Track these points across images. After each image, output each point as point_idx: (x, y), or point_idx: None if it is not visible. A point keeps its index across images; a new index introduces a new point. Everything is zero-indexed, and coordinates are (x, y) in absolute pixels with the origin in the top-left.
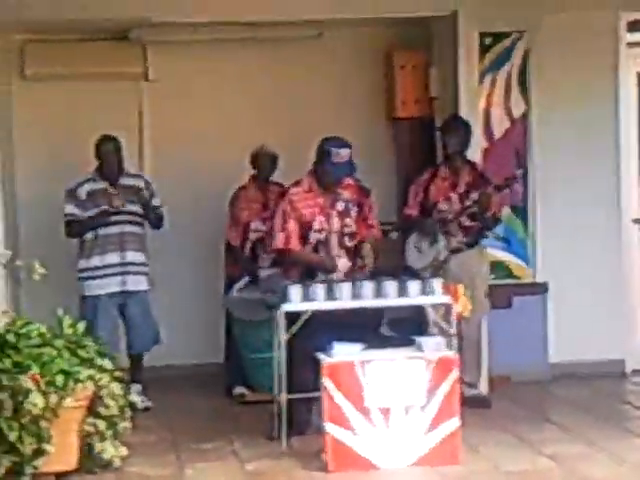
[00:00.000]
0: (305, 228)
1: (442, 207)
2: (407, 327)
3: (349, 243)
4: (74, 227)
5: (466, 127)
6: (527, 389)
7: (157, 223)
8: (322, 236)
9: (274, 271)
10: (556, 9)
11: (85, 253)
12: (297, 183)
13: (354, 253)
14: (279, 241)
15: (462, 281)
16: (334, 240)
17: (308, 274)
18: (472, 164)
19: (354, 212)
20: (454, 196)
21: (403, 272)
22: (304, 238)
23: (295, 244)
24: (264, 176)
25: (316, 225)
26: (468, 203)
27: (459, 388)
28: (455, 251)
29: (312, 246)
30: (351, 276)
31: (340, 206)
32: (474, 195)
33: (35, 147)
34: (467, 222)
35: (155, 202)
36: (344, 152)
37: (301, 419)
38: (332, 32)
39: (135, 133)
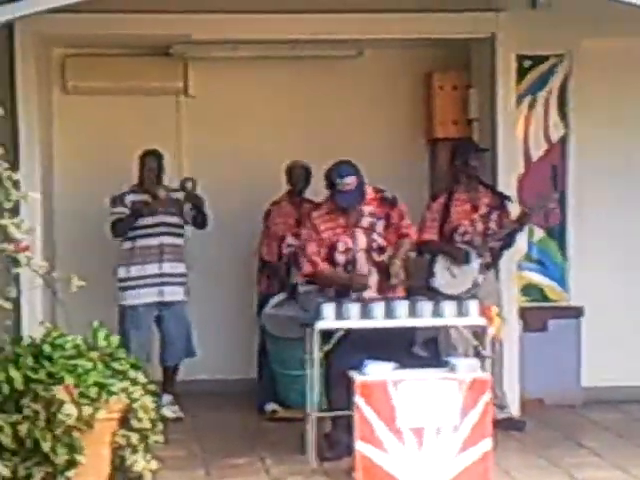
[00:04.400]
0: (330, 250)
1: (467, 230)
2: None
3: (378, 258)
4: (119, 225)
5: (484, 150)
6: (560, 413)
7: (201, 220)
8: (349, 256)
9: (311, 287)
10: (596, 33)
11: (124, 262)
12: (318, 206)
13: (386, 269)
14: (306, 268)
15: (487, 302)
16: (362, 258)
17: (342, 293)
18: (485, 184)
19: (380, 226)
20: (477, 218)
21: (427, 292)
22: (331, 260)
23: (321, 265)
24: (298, 189)
25: (340, 247)
26: (492, 225)
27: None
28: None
29: (341, 267)
30: (383, 293)
31: (365, 222)
32: (494, 215)
33: (74, 161)
34: (492, 243)
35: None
36: (349, 180)
37: (341, 442)
38: (372, 52)
39: (174, 148)
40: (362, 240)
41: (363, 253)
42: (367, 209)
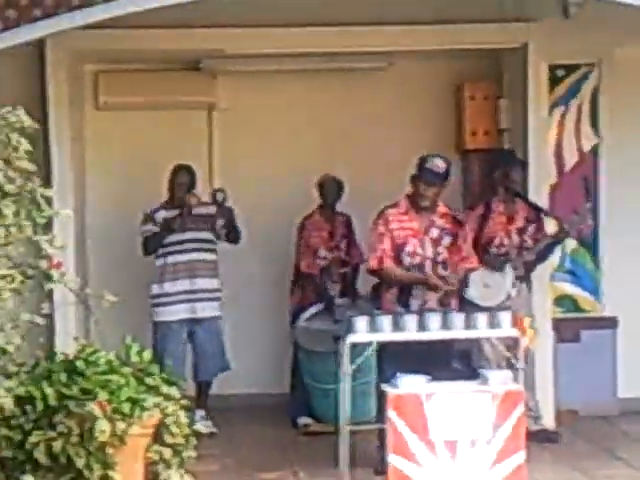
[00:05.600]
0: (398, 250)
1: (502, 242)
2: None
3: (443, 272)
4: (150, 242)
5: (526, 163)
6: (595, 424)
7: (233, 236)
8: (416, 260)
9: (344, 300)
10: (627, 42)
11: (157, 279)
12: (394, 205)
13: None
14: (373, 262)
15: (520, 313)
16: (428, 267)
17: (403, 300)
18: (523, 197)
19: (447, 241)
20: (513, 231)
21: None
22: (397, 260)
23: (389, 263)
24: (330, 203)
25: (409, 248)
26: (527, 238)
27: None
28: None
29: (405, 269)
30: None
31: (434, 233)
32: (531, 229)
33: (106, 176)
34: (528, 257)
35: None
36: (439, 162)
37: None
38: (402, 63)
39: (205, 162)
40: (429, 249)
41: (429, 262)
42: (438, 222)
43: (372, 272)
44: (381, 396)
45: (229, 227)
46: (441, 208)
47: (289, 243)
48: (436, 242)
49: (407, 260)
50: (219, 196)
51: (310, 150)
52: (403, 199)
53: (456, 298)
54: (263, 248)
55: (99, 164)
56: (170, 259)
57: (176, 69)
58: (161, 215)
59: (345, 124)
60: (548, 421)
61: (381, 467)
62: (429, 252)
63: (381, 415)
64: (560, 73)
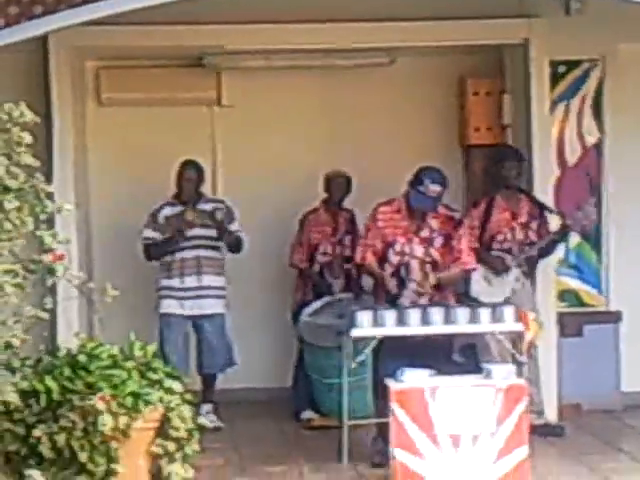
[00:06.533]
0: (386, 248)
1: (506, 237)
2: (477, 354)
3: (430, 272)
4: (152, 250)
5: (522, 157)
6: (598, 418)
7: (235, 247)
8: (404, 259)
9: (347, 295)
10: (630, 38)
11: (166, 273)
12: (389, 202)
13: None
14: (357, 256)
15: (524, 308)
16: (415, 266)
17: (394, 297)
18: (526, 193)
19: (439, 242)
20: (517, 226)
21: (465, 300)
22: (385, 258)
23: (371, 258)
24: (337, 199)
25: (397, 247)
26: (531, 234)
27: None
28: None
29: (394, 268)
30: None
31: (424, 233)
32: (534, 225)
33: (108, 171)
34: (530, 252)
35: (233, 227)
36: (435, 188)
37: (377, 450)
38: (405, 59)
39: (208, 158)
40: (418, 249)
41: (417, 262)
42: (431, 222)
43: (358, 266)
44: (376, 389)
45: (230, 241)
46: (438, 209)
47: (292, 238)
48: (427, 242)
49: (395, 259)
50: (218, 215)
51: (313, 146)
52: (399, 198)
53: (453, 295)
54: (266, 244)
55: (101, 159)
56: (178, 255)
57: (179, 65)
58: (164, 214)
59: (348, 120)
60: (551, 415)
61: (378, 459)
62: (418, 252)
63: (379, 408)
64: (562, 69)
